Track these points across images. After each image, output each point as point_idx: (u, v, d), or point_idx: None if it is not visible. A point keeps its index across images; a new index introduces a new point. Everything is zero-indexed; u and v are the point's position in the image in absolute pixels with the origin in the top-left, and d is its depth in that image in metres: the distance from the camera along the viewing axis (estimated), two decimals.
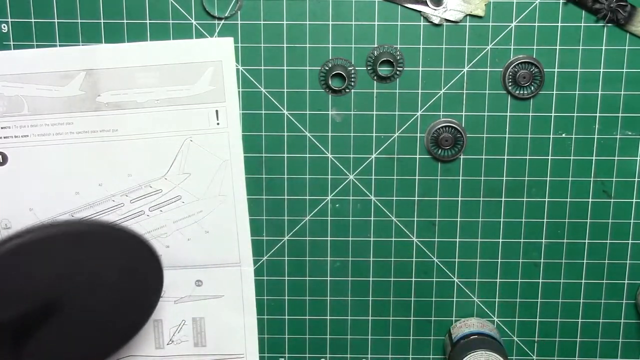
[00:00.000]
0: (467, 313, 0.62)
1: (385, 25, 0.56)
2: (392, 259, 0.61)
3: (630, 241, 0.60)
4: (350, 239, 0.61)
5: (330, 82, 0.57)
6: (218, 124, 0.58)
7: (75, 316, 0.54)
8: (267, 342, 0.63)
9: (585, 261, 0.61)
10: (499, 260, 0.61)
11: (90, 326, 0.55)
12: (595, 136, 0.58)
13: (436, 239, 0.61)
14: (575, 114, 0.58)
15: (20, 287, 0.52)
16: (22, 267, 0.52)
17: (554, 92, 0.58)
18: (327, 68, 0.57)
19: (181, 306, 0.62)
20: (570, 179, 0.59)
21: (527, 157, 0.59)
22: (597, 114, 0.58)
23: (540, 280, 0.61)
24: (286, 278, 0.62)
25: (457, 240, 0.61)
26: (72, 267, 0.53)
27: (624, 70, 0.57)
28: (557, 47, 0.57)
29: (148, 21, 0.56)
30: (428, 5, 0.56)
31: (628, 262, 0.61)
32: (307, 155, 0.59)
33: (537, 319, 0.62)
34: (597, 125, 0.58)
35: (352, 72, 0.57)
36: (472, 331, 0.59)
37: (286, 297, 0.62)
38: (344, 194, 0.60)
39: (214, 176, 0.59)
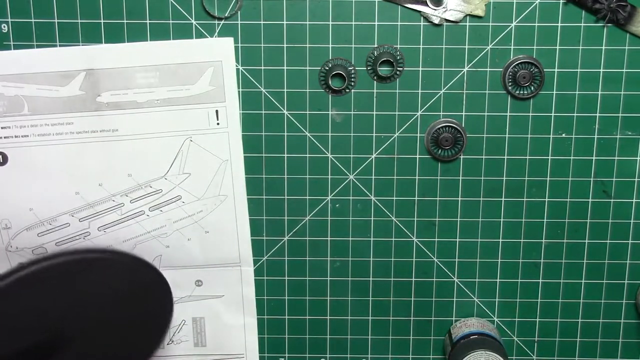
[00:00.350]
0: (467, 313, 0.62)
1: (385, 25, 0.56)
2: (392, 259, 0.61)
3: (630, 241, 0.60)
4: (350, 239, 0.61)
5: (330, 82, 0.57)
6: (218, 124, 0.58)
7: (86, 346, 0.54)
8: (267, 342, 0.63)
9: (585, 261, 0.61)
10: (499, 260, 0.61)
11: (103, 355, 0.55)
12: (595, 136, 0.58)
13: (436, 239, 0.61)
14: (575, 114, 0.58)
15: (27, 318, 0.51)
16: (28, 299, 0.51)
17: (554, 92, 0.58)
18: (327, 68, 0.57)
19: (181, 306, 0.62)
20: (570, 179, 0.59)
21: (527, 157, 0.59)
22: (597, 114, 0.58)
23: (540, 280, 0.61)
24: (286, 278, 0.62)
25: (457, 240, 0.61)
26: (79, 297, 0.53)
27: (624, 70, 0.57)
28: (557, 47, 0.57)
29: (148, 21, 0.56)
30: (428, 5, 0.56)
31: (628, 262, 0.61)
32: (307, 155, 0.59)
33: (537, 319, 0.62)
34: (597, 125, 0.58)
35: (352, 72, 0.57)
36: (472, 331, 0.59)
37: (286, 297, 0.62)
38: (344, 194, 0.60)
39: (214, 176, 0.59)
